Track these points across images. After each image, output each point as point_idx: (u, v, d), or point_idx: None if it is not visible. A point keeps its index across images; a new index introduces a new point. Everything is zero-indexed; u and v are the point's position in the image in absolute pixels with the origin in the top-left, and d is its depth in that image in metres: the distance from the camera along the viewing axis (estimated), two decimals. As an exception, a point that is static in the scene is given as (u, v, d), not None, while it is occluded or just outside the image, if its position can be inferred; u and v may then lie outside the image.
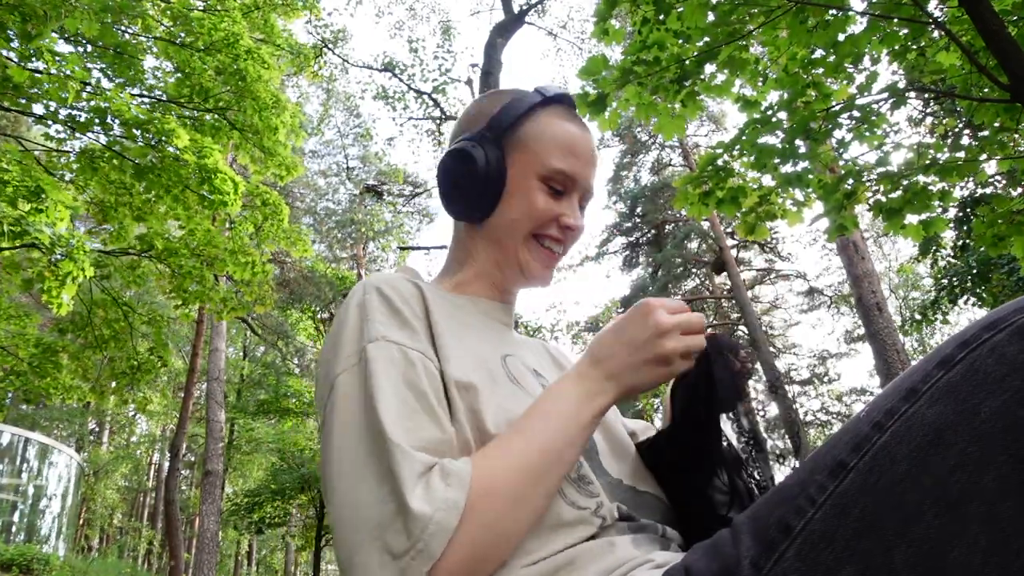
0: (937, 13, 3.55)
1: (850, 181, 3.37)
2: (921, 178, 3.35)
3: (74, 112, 5.22)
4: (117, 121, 5.29)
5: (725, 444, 0.73)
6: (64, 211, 5.13)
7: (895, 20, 3.10)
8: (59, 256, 4.95)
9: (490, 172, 0.78)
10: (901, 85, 3.32)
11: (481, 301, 0.84)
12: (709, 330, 0.78)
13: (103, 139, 5.57)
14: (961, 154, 3.39)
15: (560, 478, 0.63)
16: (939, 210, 3.38)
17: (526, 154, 0.80)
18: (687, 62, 3.30)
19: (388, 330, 0.67)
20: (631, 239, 18.19)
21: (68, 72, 4.63)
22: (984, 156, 3.42)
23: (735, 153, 3.52)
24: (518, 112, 0.80)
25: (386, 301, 0.70)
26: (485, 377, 0.70)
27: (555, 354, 0.95)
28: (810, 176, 3.43)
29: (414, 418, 0.62)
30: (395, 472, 0.57)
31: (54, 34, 4.46)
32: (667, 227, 17.67)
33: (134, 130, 5.33)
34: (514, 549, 0.60)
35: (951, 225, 7.71)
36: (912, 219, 3.41)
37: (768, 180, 3.67)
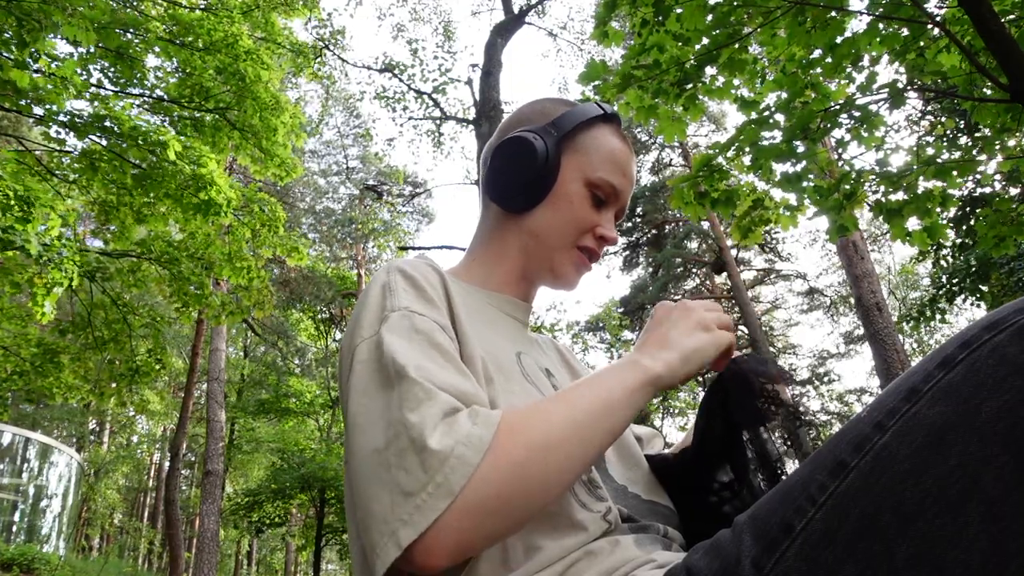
0: (936, 13, 3.55)
1: (849, 183, 3.37)
2: (921, 181, 3.35)
3: (74, 116, 5.23)
4: (116, 127, 5.30)
5: (742, 469, 0.72)
6: (56, 219, 5.12)
7: (894, 21, 3.10)
8: (47, 263, 4.91)
9: (547, 165, 0.80)
10: (900, 85, 3.32)
11: (500, 296, 0.84)
12: (736, 353, 0.79)
13: (103, 142, 5.59)
14: (960, 154, 3.39)
15: (601, 442, 0.60)
16: (939, 211, 3.38)
17: (580, 157, 0.82)
18: (687, 65, 3.30)
19: (410, 302, 0.67)
20: (631, 239, 18.19)
21: (65, 77, 4.63)
22: (983, 156, 3.42)
23: (732, 154, 3.52)
24: (579, 119, 0.83)
25: (410, 280, 0.70)
26: (498, 372, 0.70)
27: (565, 354, 0.95)
28: (810, 176, 3.44)
29: (440, 368, 0.59)
30: (415, 410, 0.54)
31: (52, 37, 4.45)
32: (667, 227, 17.67)
33: (133, 135, 5.35)
34: (542, 504, 0.56)
35: (951, 225, 7.71)
36: (915, 224, 3.42)
37: (763, 185, 3.67)
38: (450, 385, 0.57)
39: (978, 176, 3.65)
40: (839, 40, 3.19)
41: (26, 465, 10.90)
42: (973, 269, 7.59)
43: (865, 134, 3.35)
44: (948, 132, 6.44)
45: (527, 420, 0.57)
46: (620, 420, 0.62)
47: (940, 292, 8.05)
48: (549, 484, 0.56)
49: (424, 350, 0.61)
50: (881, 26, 3.19)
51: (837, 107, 3.30)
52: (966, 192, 7.33)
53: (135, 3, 6.15)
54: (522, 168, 0.81)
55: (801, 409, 0.74)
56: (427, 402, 0.54)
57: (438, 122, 12.01)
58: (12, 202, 4.59)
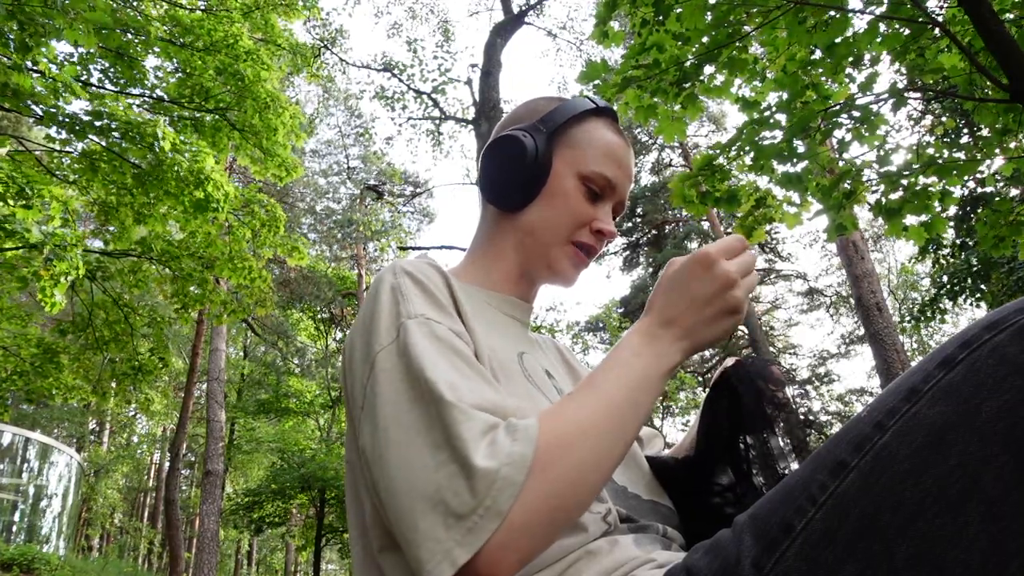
0: (936, 13, 3.55)
1: (849, 181, 3.37)
2: (921, 179, 3.35)
3: (73, 118, 5.23)
4: (114, 124, 5.30)
5: (745, 470, 0.72)
6: (57, 207, 5.12)
7: (895, 21, 3.10)
8: (52, 255, 4.91)
9: (538, 161, 0.80)
10: (901, 85, 3.32)
11: (500, 296, 0.84)
12: (734, 359, 0.78)
13: (103, 142, 5.59)
14: (960, 154, 3.39)
15: (631, 437, 0.61)
16: (939, 210, 3.38)
17: (573, 151, 0.82)
18: (686, 64, 3.30)
19: (425, 309, 0.66)
20: (631, 239, 18.20)
21: (64, 82, 4.63)
22: (983, 156, 3.42)
23: (732, 154, 3.52)
24: (570, 114, 0.82)
25: (419, 284, 0.70)
26: (500, 374, 0.70)
27: (565, 354, 0.95)
28: (810, 176, 3.44)
29: (469, 381, 0.60)
30: (455, 433, 0.55)
31: (54, 41, 4.46)
32: (667, 227, 17.69)
33: (130, 131, 5.34)
34: (585, 509, 0.58)
35: (951, 224, 7.72)
36: (912, 220, 3.41)
37: (765, 183, 3.67)
38: (483, 400, 0.58)
39: (979, 176, 3.64)
40: (839, 40, 3.19)
41: (26, 465, 10.90)
42: (974, 269, 7.59)
43: (866, 134, 3.34)
44: (949, 132, 6.44)
45: (563, 430, 0.57)
46: (646, 414, 0.63)
47: (941, 292, 8.05)
48: (589, 489, 0.57)
49: (449, 360, 0.61)
50: (882, 26, 3.19)
51: (837, 107, 3.29)
52: (967, 192, 7.34)
53: (135, 3, 6.15)
54: (513, 166, 0.80)
55: (809, 414, 0.74)
56: (466, 423, 0.55)
57: (437, 122, 12.02)
58: (11, 190, 4.58)
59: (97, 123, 5.29)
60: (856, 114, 3.29)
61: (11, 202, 4.66)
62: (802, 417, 0.73)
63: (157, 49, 6.04)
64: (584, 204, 0.81)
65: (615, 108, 0.90)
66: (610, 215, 0.84)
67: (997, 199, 3.75)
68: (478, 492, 0.52)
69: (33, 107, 5.09)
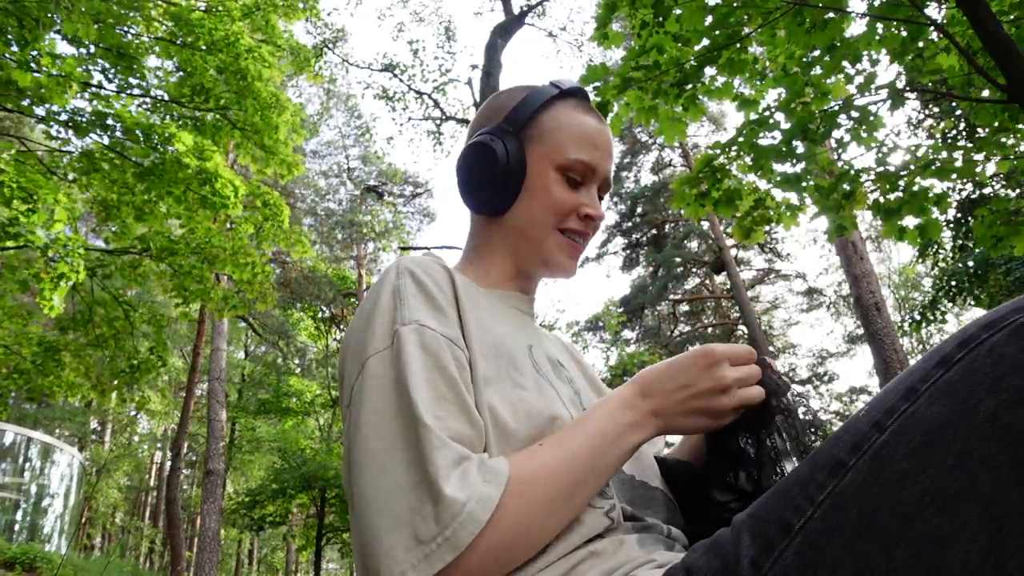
0: (935, 15, 3.56)
1: (848, 183, 3.37)
2: (919, 180, 3.36)
3: (76, 113, 5.22)
4: (119, 125, 5.30)
5: (748, 470, 0.72)
6: (62, 212, 5.12)
7: (893, 21, 3.10)
8: (54, 258, 4.92)
9: (510, 164, 0.79)
10: (899, 85, 3.32)
11: (501, 292, 0.84)
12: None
13: (105, 140, 5.58)
14: (958, 155, 3.39)
15: (590, 496, 0.63)
16: (935, 212, 3.38)
17: (544, 146, 0.81)
18: (687, 66, 3.30)
19: (422, 315, 0.67)
20: (631, 239, 18.18)
21: (66, 74, 4.64)
22: (981, 157, 3.42)
23: (732, 154, 3.53)
24: (535, 105, 0.81)
25: (420, 285, 0.70)
26: (509, 367, 0.70)
27: (570, 348, 0.95)
28: (809, 176, 3.44)
29: (446, 407, 0.61)
30: (430, 459, 0.56)
31: (55, 36, 4.47)
32: (667, 227, 17.66)
33: (136, 132, 5.34)
34: (535, 552, 0.60)
35: (949, 226, 7.72)
36: (910, 223, 3.42)
37: (764, 184, 3.67)
38: (453, 430, 0.59)
39: (976, 178, 3.65)
40: (838, 41, 3.19)
41: (28, 464, 10.91)
42: (971, 271, 7.60)
43: (865, 135, 3.35)
44: (948, 132, 6.43)
45: (533, 480, 0.59)
46: (610, 474, 0.65)
47: (939, 294, 8.06)
48: (547, 537, 0.59)
49: (432, 379, 0.62)
50: (880, 27, 3.19)
51: (836, 107, 3.30)
52: (965, 195, 7.34)
53: (136, 3, 6.14)
54: (487, 174, 0.80)
55: (809, 413, 0.74)
56: (441, 450, 0.57)
57: (438, 122, 12.01)
58: (16, 195, 4.59)
59: (99, 123, 5.29)
60: (855, 115, 3.29)
61: (19, 205, 4.67)
62: (802, 416, 0.73)
63: (157, 49, 6.03)
64: (567, 193, 0.80)
65: (581, 86, 0.89)
66: (595, 197, 0.83)
67: (995, 199, 3.75)
68: (442, 520, 0.53)
69: (35, 107, 5.10)
